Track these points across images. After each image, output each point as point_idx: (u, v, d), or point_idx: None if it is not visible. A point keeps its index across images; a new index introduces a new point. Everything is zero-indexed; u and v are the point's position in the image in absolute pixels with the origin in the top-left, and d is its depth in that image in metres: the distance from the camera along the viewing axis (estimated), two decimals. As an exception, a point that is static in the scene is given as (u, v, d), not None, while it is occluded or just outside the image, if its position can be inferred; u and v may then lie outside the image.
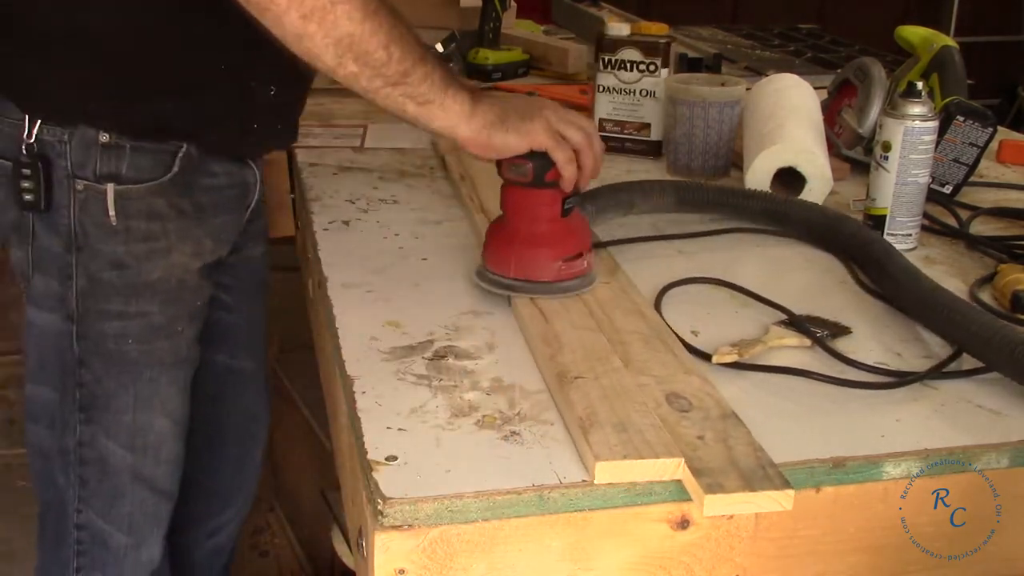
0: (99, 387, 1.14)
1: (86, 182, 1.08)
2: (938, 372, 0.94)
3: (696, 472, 0.75)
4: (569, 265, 1.03)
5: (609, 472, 0.76)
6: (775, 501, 0.74)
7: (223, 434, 1.43)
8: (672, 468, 0.77)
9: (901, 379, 0.93)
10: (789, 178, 1.34)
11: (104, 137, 1.07)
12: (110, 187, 1.08)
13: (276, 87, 1.14)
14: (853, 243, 1.18)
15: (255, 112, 1.14)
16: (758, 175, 1.34)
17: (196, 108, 1.09)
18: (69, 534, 1.20)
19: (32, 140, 1.07)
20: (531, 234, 1.04)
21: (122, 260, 1.11)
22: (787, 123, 1.39)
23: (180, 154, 1.10)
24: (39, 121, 1.06)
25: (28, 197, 1.08)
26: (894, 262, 1.09)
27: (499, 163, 1.04)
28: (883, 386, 0.92)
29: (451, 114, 1.00)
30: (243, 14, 0.95)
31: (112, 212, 1.08)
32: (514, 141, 1.00)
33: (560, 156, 1.00)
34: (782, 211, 1.26)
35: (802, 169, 1.33)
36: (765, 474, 0.75)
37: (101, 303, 1.12)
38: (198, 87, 1.09)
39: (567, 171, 1.01)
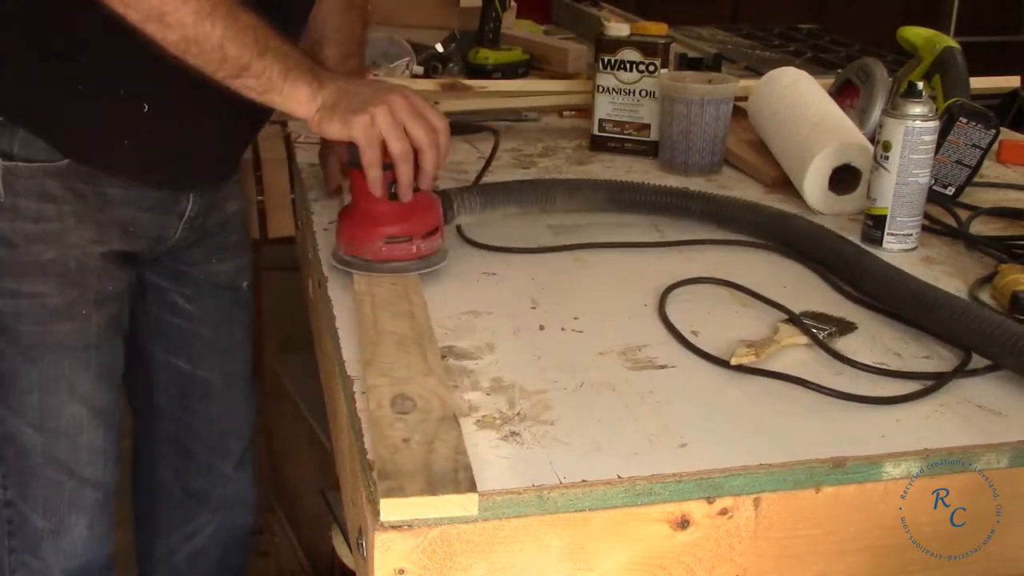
0: (3, 363, 1.15)
1: None
2: (945, 381, 0.93)
3: (383, 475, 0.74)
4: (392, 247, 1.07)
5: None
6: (459, 505, 0.73)
7: (189, 441, 1.42)
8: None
9: (910, 394, 0.92)
10: (841, 175, 1.34)
11: None
12: None
13: (150, 104, 1.13)
14: (809, 242, 1.18)
15: (125, 127, 1.14)
16: (817, 179, 1.34)
17: (51, 105, 1.11)
18: (1, 513, 1.21)
19: None
20: (357, 213, 1.10)
21: (9, 238, 1.12)
22: (825, 121, 1.40)
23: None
24: None
25: None
26: (873, 263, 1.09)
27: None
28: (887, 401, 0.90)
29: (289, 101, 1.05)
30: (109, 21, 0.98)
31: (0, 188, 1.10)
32: (336, 129, 1.04)
33: (368, 155, 1.04)
34: (723, 213, 1.26)
35: (858, 164, 1.33)
36: (454, 478, 0.74)
37: None
38: (49, 84, 1.10)
39: (370, 172, 1.04)
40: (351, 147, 1.06)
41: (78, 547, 1.22)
